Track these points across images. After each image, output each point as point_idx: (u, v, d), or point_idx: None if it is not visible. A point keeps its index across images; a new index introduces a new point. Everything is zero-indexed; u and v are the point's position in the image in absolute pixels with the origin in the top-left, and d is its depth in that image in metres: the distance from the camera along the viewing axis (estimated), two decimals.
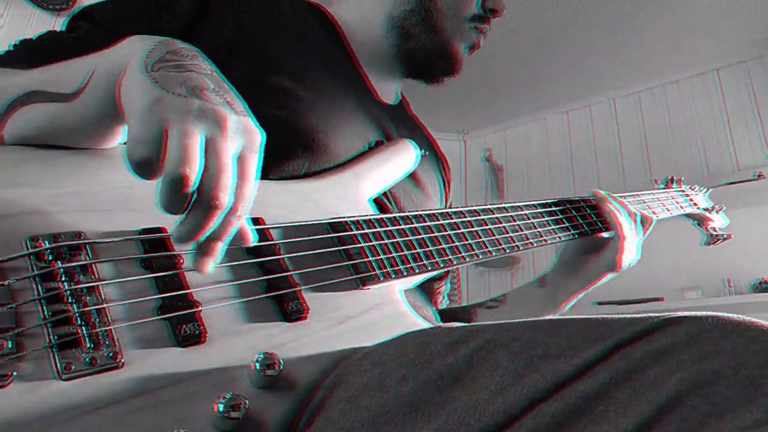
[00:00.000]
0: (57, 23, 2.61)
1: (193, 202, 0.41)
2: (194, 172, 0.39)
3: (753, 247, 2.81)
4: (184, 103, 0.41)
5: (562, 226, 0.88)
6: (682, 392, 0.33)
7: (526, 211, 0.84)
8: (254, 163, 0.44)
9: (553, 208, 0.90)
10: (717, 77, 3.33)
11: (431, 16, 0.86)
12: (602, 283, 0.95)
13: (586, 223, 0.92)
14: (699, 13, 2.85)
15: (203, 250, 0.43)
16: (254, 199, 0.45)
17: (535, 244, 0.81)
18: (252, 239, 0.46)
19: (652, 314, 0.40)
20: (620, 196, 1.00)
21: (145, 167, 0.40)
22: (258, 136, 0.44)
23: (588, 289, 0.95)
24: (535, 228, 0.83)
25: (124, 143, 0.56)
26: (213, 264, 0.44)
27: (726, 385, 0.32)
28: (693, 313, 0.38)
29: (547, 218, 0.87)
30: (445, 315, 0.95)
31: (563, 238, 0.86)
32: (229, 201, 0.41)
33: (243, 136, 0.43)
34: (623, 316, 0.41)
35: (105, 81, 0.49)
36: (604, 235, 0.93)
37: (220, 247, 0.43)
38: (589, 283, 0.95)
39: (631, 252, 0.92)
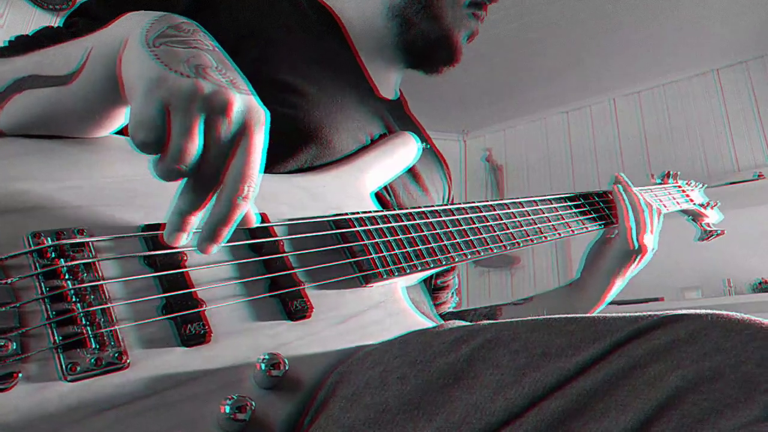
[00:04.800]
0: (57, 23, 2.61)
1: (189, 182, 0.41)
2: (191, 166, 0.39)
3: (753, 247, 2.81)
4: (189, 85, 0.40)
5: (565, 221, 0.88)
6: (682, 389, 0.33)
7: (527, 208, 0.85)
8: (260, 142, 0.43)
9: (557, 204, 0.90)
10: (717, 77, 3.33)
11: (431, 2, 0.87)
12: (631, 272, 0.94)
13: (598, 216, 0.93)
14: (699, 13, 2.85)
15: (210, 235, 0.42)
16: (259, 194, 0.45)
17: (535, 241, 0.81)
18: (255, 220, 0.45)
19: (651, 313, 0.40)
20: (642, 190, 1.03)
21: (148, 148, 0.40)
22: (263, 115, 0.43)
23: (615, 282, 0.95)
24: (536, 224, 0.83)
25: (118, 133, 0.55)
26: (216, 247, 0.43)
27: (725, 383, 0.33)
28: (692, 311, 0.39)
29: (547, 214, 0.87)
30: (468, 315, 0.95)
31: (562, 235, 0.86)
32: (235, 182, 0.41)
33: (247, 116, 0.42)
34: (623, 314, 0.41)
35: (103, 58, 0.48)
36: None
37: (227, 232, 0.42)
38: (612, 274, 0.94)
39: (648, 239, 0.92)
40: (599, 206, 0.95)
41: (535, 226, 0.83)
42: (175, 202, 0.42)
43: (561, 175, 3.77)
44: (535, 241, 0.81)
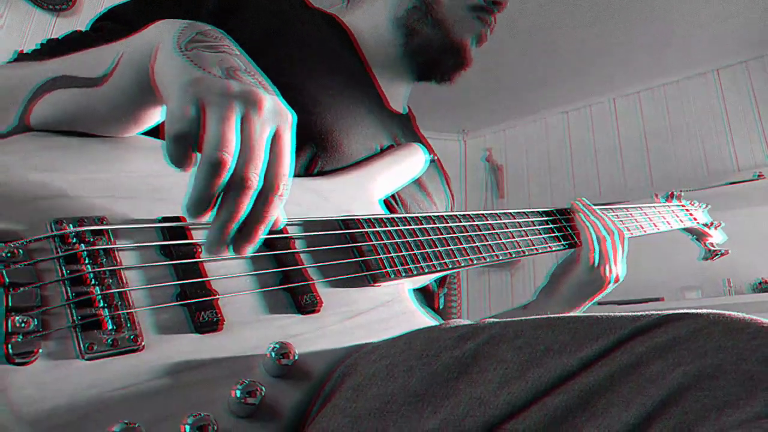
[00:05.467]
0: (57, 23, 2.60)
1: (226, 185, 0.41)
2: (231, 156, 0.39)
3: (753, 247, 2.81)
4: (222, 84, 0.42)
5: (563, 234, 0.90)
6: (684, 386, 0.34)
7: (532, 218, 0.86)
8: (288, 141, 0.44)
9: (557, 216, 0.92)
10: (717, 77, 3.33)
11: (432, 9, 0.88)
12: (586, 306, 0.93)
13: (574, 234, 0.93)
14: (699, 13, 2.86)
15: (247, 234, 0.42)
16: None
17: (540, 250, 0.83)
18: (282, 220, 0.46)
19: (653, 312, 0.41)
20: (605, 208, 1.00)
21: (182, 142, 0.40)
22: (290, 116, 0.45)
23: (575, 310, 0.94)
24: (540, 234, 0.85)
25: (144, 134, 0.56)
26: (252, 247, 0.43)
27: (726, 380, 0.33)
28: (694, 310, 0.39)
29: (551, 225, 0.89)
30: None
31: (565, 247, 0.88)
32: (269, 180, 0.42)
33: (276, 116, 0.44)
34: (625, 313, 0.42)
35: (135, 64, 0.49)
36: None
37: (263, 230, 0.43)
38: (571, 306, 0.93)
39: (614, 269, 0.91)
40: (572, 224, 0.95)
41: (541, 237, 0.85)
42: (214, 216, 0.42)
43: (561, 175, 3.77)
44: (539, 251, 0.83)
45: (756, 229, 2.85)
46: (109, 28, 0.70)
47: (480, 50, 0.94)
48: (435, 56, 0.90)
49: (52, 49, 0.67)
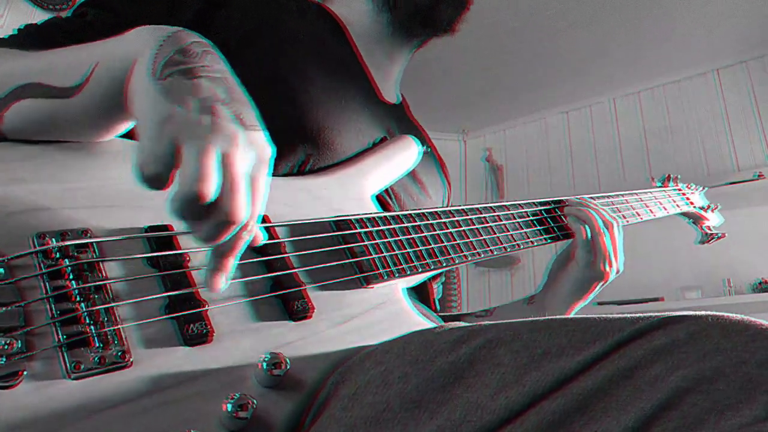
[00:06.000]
0: None
1: (208, 215, 0.40)
2: (211, 189, 0.38)
3: (753, 247, 2.81)
4: (196, 121, 0.40)
5: (559, 224, 0.88)
6: (683, 390, 0.34)
7: (528, 209, 0.85)
8: (264, 178, 0.43)
9: (552, 206, 0.90)
10: (717, 77, 3.33)
11: None
12: (591, 297, 0.91)
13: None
14: (699, 13, 2.85)
15: (216, 266, 0.43)
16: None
17: (535, 243, 0.81)
18: (261, 238, 0.46)
19: (652, 314, 0.40)
20: (600, 196, 0.98)
21: (155, 182, 0.40)
22: (268, 151, 0.44)
23: (577, 304, 0.92)
24: (536, 226, 0.84)
25: (124, 136, 0.55)
26: (226, 281, 0.44)
27: (725, 383, 0.33)
28: (693, 313, 0.39)
29: (546, 216, 0.87)
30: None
31: (561, 237, 0.86)
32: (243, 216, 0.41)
33: (253, 151, 0.42)
34: (624, 315, 0.42)
35: (109, 78, 0.47)
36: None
37: (232, 263, 0.43)
38: (573, 299, 0.91)
39: (614, 263, 0.88)
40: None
41: (535, 228, 0.83)
42: (209, 252, 0.43)
43: (561, 175, 3.77)
44: (535, 243, 0.81)
45: (756, 229, 2.85)
46: (91, 14, 0.69)
47: (481, 51, 0.93)
48: (428, 12, 0.86)
49: (29, 37, 0.65)
